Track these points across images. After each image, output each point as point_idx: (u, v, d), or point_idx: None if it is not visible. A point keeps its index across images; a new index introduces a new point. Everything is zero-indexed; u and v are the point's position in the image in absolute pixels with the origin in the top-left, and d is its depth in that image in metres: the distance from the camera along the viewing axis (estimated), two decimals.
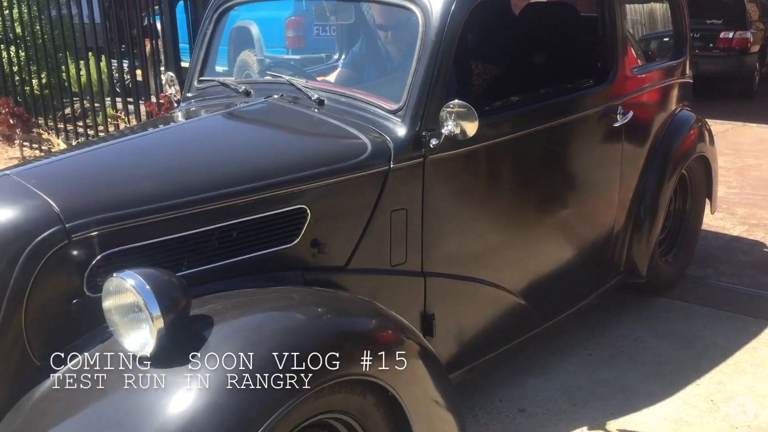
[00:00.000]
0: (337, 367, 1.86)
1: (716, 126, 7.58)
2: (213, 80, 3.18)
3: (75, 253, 1.95)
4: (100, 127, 7.04)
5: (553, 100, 2.99)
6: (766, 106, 10.34)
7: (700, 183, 4.06)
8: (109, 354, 1.86)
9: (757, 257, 4.56)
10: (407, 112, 2.47)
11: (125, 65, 7.36)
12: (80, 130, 7.27)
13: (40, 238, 1.90)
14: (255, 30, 9.92)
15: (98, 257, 1.98)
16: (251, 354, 1.77)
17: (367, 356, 1.95)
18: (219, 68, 3.44)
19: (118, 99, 7.08)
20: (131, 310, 1.80)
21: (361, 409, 2.00)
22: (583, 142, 3.15)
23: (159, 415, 1.67)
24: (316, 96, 2.70)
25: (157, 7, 6.86)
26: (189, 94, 3.24)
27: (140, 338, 1.79)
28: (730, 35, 11.04)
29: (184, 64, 3.50)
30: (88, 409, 1.78)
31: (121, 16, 6.86)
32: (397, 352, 2.05)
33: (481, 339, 2.84)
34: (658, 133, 3.60)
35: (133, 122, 6.74)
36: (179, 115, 3.08)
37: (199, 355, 1.75)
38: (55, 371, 1.88)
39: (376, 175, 2.43)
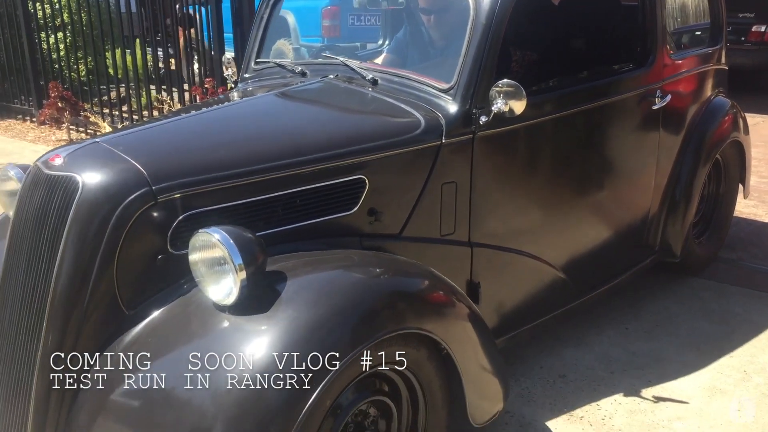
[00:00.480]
0: (397, 321, 2.05)
1: (747, 119, 7.66)
2: (269, 62, 3.36)
3: (160, 213, 2.12)
4: (145, 112, 7.26)
5: (593, 83, 3.14)
6: None
7: (733, 168, 4.17)
8: (193, 303, 2.05)
9: None
10: (458, 91, 2.63)
11: (160, 54, 7.59)
12: (125, 114, 7.51)
13: (130, 198, 2.07)
14: (291, 19, 10.07)
15: (180, 218, 2.15)
16: (322, 305, 1.96)
17: (422, 312, 2.15)
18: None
19: (153, 86, 7.31)
20: (216, 263, 1.98)
21: (416, 361, 2.16)
22: (622, 125, 3.30)
23: (240, 358, 1.84)
24: (370, 76, 2.86)
25: None
26: (246, 75, 3.42)
27: (224, 288, 1.97)
28: (762, 29, 11.04)
29: (229, 54, 3.62)
30: (175, 353, 1.97)
31: (155, 5, 7.04)
32: (449, 311, 2.24)
33: (522, 309, 2.99)
34: (694, 117, 3.73)
35: (177, 107, 6.95)
36: (244, 93, 3.25)
37: (276, 304, 1.93)
38: (143, 319, 2.07)
39: (429, 149, 2.59)
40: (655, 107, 3.34)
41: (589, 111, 3.07)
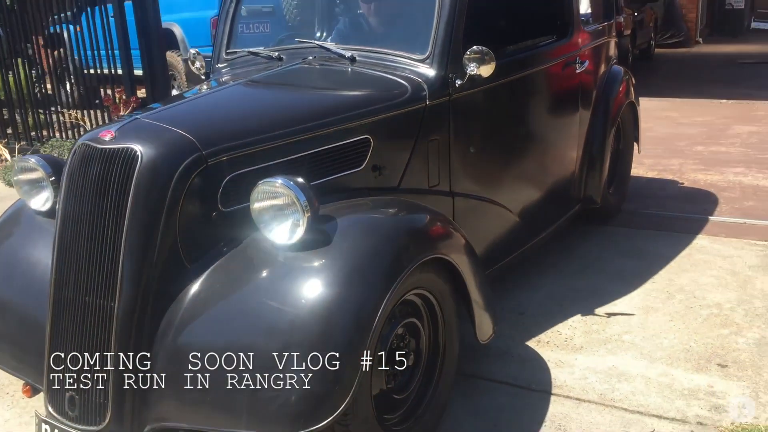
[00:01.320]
0: (427, 248, 2.39)
1: None
2: (242, 51, 3.55)
3: (210, 175, 2.34)
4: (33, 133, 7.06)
5: (534, 51, 3.60)
6: (638, 82, 11.52)
7: (629, 127, 4.79)
8: (254, 248, 2.29)
9: (672, 191, 5.45)
10: (434, 59, 2.99)
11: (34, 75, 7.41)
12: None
13: (185, 163, 2.28)
14: (178, 31, 10.02)
15: (227, 178, 2.38)
16: (372, 238, 2.28)
17: (440, 241, 2.51)
18: None
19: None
20: (278, 208, 2.24)
21: (436, 284, 2.51)
22: (557, 87, 3.82)
23: (315, 284, 2.12)
24: (349, 54, 3.14)
25: (63, 15, 6.96)
26: (219, 65, 3.60)
27: (287, 230, 2.23)
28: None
29: (193, 50, 3.74)
30: (245, 293, 2.21)
31: (18, 25, 6.87)
32: (456, 241, 2.59)
33: (491, 250, 3.37)
34: (600, 82, 4.30)
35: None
36: (232, 77, 3.38)
37: (335, 239, 2.22)
38: (204, 271, 2.27)
39: (417, 110, 2.93)
40: (577, 71, 3.85)
41: (533, 75, 3.55)
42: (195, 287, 2.26)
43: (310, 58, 3.24)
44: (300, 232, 2.19)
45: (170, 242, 2.25)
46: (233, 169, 2.39)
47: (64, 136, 7.01)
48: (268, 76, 3.15)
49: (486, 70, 2.91)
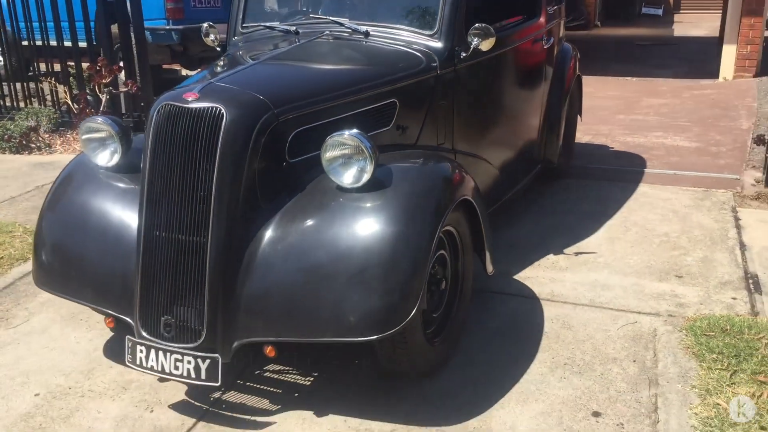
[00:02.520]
0: (460, 190, 2.97)
1: None
2: (258, 25, 3.93)
3: (281, 130, 2.78)
4: None
5: (515, 28, 4.28)
6: None
7: (576, 98, 5.58)
8: (321, 191, 2.75)
9: (609, 151, 6.33)
10: (442, 35, 3.53)
11: None
12: None
13: (262, 120, 2.71)
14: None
15: (293, 133, 2.84)
16: (420, 183, 2.84)
17: (465, 184, 3.06)
18: None
19: None
20: (348, 156, 2.71)
21: (459, 221, 3.07)
22: (529, 60, 4.53)
23: (379, 223, 2.60)
24: (364, 29, 3.58)
25: None
26: (235, 38, 3.97)
27: (354, 175, 2.70)
28: None
29: (205, 24, 4.07)
30: (321, 226, 2.63)
31: None
32: (472, 185, 3.14)
33: (484, 199, 4.00)
34: (557, 57, 5.05)
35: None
36: (255, 49, 3.67)
37: (394, 182, 2.72)
38: (277, 211, 2.72)
39: (431, 78, 3.45)
40: (544, 47, 4.58)
41: (513, 50, 4.22)
42: (273, 223, 2.68)
43: (327, 32, 3.62)
44: (366, 176, 2.67)
45: (250, 187, 2.68)
46: (297, 125, 2.85)
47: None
48: (304, 47, 3.55)
49: (487, 44, 3.44)
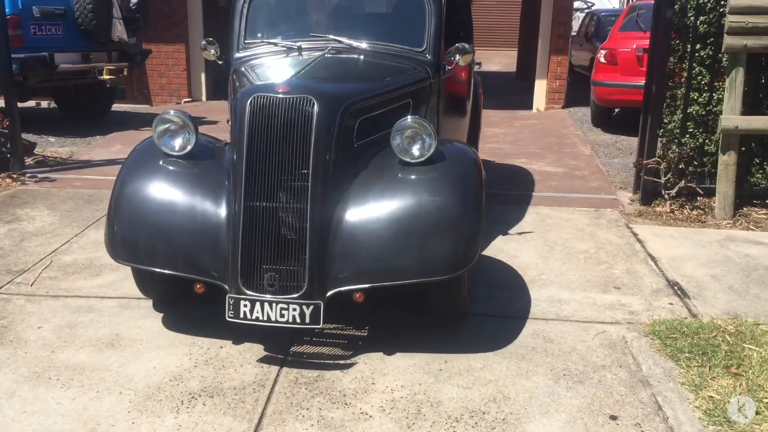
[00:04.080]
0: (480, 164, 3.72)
1: None
2: (261, 41, 4.50)
3: (352, 118, 3.51)
4: None
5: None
6: None
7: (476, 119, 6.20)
8: (392, 165, 3.49)
9: (491, 176, 6.70)
10: (430, 51, 4.40)
11: None
12: None
13: (341, 108, 3.42)
14: None
15: (358, 121, 3.56)
16: (466, 157, 3.66)
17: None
18: None
19: None
20: (416, 133, 3.45)
21: None
22: (467, 78, 5.28)
23: (446, 187, 3.39)
24: (363, 46, 4.35)
25: None
26: (240, 53, 4.47)
27: (419, 149, 3.45)
28: None
29: (204, 41, 4.68)
30: (397, 192, 3.34)
31: None
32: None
33: None
34: (474, 82, 5.76)
35: None
36: (267, 61, 4.33)
37: (447, 158, 3.52)
38: (355, 181, 3.41)
39: (427, 85, 4.28)
40: (475, 70, 5.32)
41: (462, 70, 4.95)
42: (353, 192, 3.36)
43: (330, 48, 4.27)
44: (430, 151, 3.42)
45: (334, 163, 3.34)
46: (360, 115, 3.57)
47: None
48: (336, 59, 4.21)
49: (464, 60, 4.48)
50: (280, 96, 3.25)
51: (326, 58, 4.13)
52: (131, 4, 9.55)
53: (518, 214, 5.56)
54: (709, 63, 5.53)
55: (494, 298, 4.05)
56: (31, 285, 4.14)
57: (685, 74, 5.58)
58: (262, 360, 3.37)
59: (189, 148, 3.49)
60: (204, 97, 12.31)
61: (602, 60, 9.65)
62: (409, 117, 3.43)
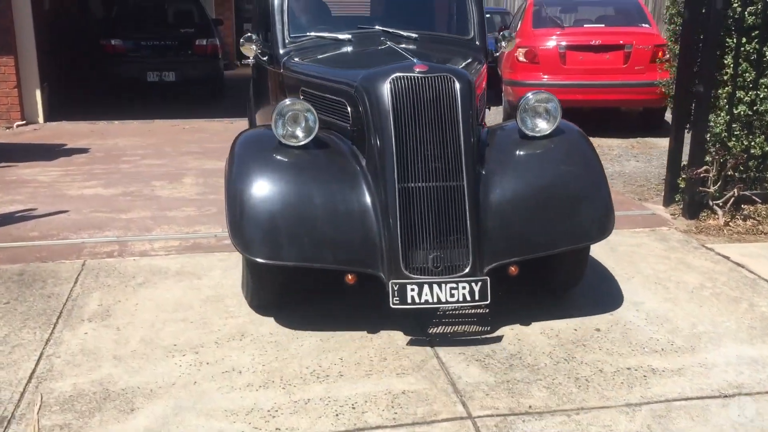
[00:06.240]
0: None
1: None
2: (308, 35, 4.44)
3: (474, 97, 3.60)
4: None
5: None
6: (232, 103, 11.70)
7: None
8: (518, 140, 3.57)
9: None
10: (478, 39, 4.53)
11: None
12: None
13: (473, 86, 3.48)
14: None
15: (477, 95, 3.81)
16: (575, 129, 3.74)
17: None
18: None
19: None
20: (542, 111, 3.55)
21: None
22: None
23: (575, 158, 3.56)
24: (415, 36, 4.32)
25: None
26: (284, 49, 4.36)
27: (545, 124, 3.54)
28: (204, 42, 11.92)
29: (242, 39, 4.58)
30: (532, 165, 3.48)
31: None
32: None
33: None
34: None
35: None
36: (318, 54, 4.32)
37: (566, 132, 3.65)
38: (489, 155, 3.54)
39: (485, 69, 4.37)
40: None
41: None
42: (491, 166, 3.41)
43: (383, 38, 4.25)
44: (552, 126, 3.52)
45: (474, 138, 3.36)
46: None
47: None
48: (420, 45, 4.22)
49: (509, 46, 4.78)
50: (422, 75, 3.27)
51: (413, 43, 4.21)
52: None
53: None
54: (754, 59, 4.99)
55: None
56: None
57: (730, 71, 5.01)
58: (412, 343, 3.33)
59: (309, 138, 3.38)
60: (41, 119, 10.14)
61: (521, 59, 9.06)
62: (530, 94, 3.50)
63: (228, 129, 9.40)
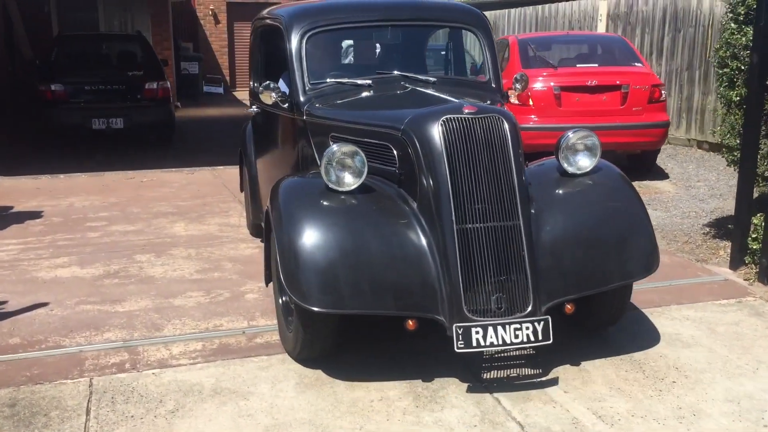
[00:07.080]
0: None
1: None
2: (326, 81, 4.42)
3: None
4: None
5: None
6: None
7: None
8: (558, 179, 3.64)
9: None
10: (493, 81, 4.64)
11: None
12: None
13: (517, 126, 3.51)
14: None
15: None
16: (612, 166, 3.86)
17: None
18: None
19: None
20: (583, 149, 3.62)
21: None
22: None
23: (619, 195, 3.65)
24: (433, 80, 4.43)
25: None
26: (303, 98, 4.30)
27: (590, 161, 3.62)
28: (155, 85, 10.98)
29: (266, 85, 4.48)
30: (575, 205, 3.53)
31: None
32: None
33: None
34: None
35: None
36: (350, 97, 4.31)
37: (604, 169, 3.75)
38: (533, 192, 3.57)
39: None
40: None
41: None
42: (536, 204, 3.42)
43: (403, 83, 4.32)
44: (593, 163, 3.58)
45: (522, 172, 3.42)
46: None
47: None
48: (437, 88, 4.28)
49: (523, 87, 4.50)
50: (472, 116, 3.31)
51: (432, 86, 4.28)
52: None
53: (662, 320, 4.07)
54: None
55: None
56: None
57: None
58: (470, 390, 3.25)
59: (357, 184, 3.37)
60: None
61: (513, 101, 8.53)
62: (570, 132, 3.56)
63: (192, 182, 8.55)
